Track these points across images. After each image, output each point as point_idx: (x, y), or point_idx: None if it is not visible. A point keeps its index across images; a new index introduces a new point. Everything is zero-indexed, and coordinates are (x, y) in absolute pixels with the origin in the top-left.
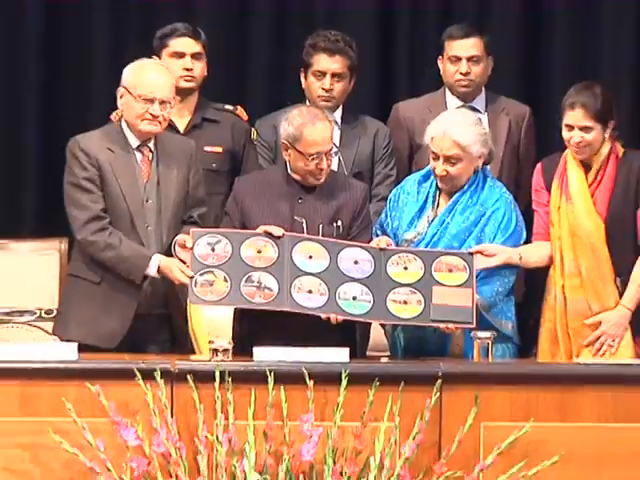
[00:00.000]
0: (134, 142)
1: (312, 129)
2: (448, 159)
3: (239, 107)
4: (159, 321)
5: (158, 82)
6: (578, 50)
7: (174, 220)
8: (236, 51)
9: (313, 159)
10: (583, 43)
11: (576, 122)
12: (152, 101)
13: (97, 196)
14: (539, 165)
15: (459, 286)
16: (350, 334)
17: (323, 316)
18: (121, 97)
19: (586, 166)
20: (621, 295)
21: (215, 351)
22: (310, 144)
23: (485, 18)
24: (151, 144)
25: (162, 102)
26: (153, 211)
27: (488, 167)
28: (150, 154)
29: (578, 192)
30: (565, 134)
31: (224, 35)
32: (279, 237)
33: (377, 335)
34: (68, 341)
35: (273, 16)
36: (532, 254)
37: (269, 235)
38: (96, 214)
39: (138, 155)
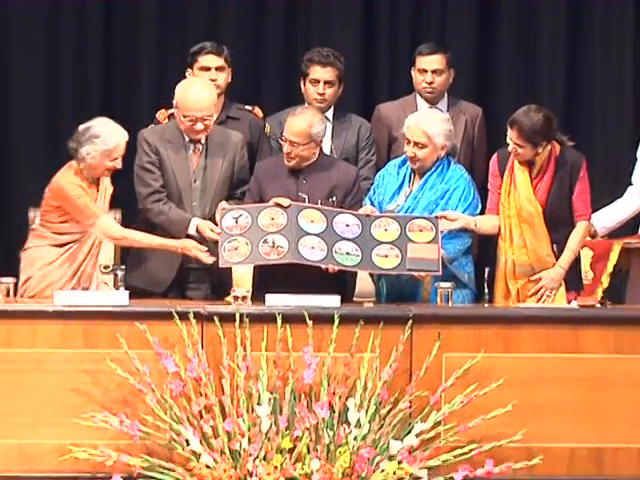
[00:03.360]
0: (187, 137)
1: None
2: (416, 144)
3: (256, 107)
4: (200, 273)
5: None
6: (520, 64)
7: (217, 198)
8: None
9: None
10: (526, 60)
11: (511, 138)
12: (195, 120)
13: (157, 176)
14: (495, 155)
15: (428, 243)
16: (342, 284)
17: (323, 267)
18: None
19: (531, 162)
20: (557, 258)
21: (236, 298)
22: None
23: (447, 38)
24: (202, 139)
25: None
26: (198, 190)
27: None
28: (200, 146)
29: (522, 183)
30: (508, 141)
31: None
32: (287, 207)
33: (362, 285)
34: (130, 287)
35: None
36: (485, 223)
37: (279, 205)
38: (155, 189)
39: (190, 146)
